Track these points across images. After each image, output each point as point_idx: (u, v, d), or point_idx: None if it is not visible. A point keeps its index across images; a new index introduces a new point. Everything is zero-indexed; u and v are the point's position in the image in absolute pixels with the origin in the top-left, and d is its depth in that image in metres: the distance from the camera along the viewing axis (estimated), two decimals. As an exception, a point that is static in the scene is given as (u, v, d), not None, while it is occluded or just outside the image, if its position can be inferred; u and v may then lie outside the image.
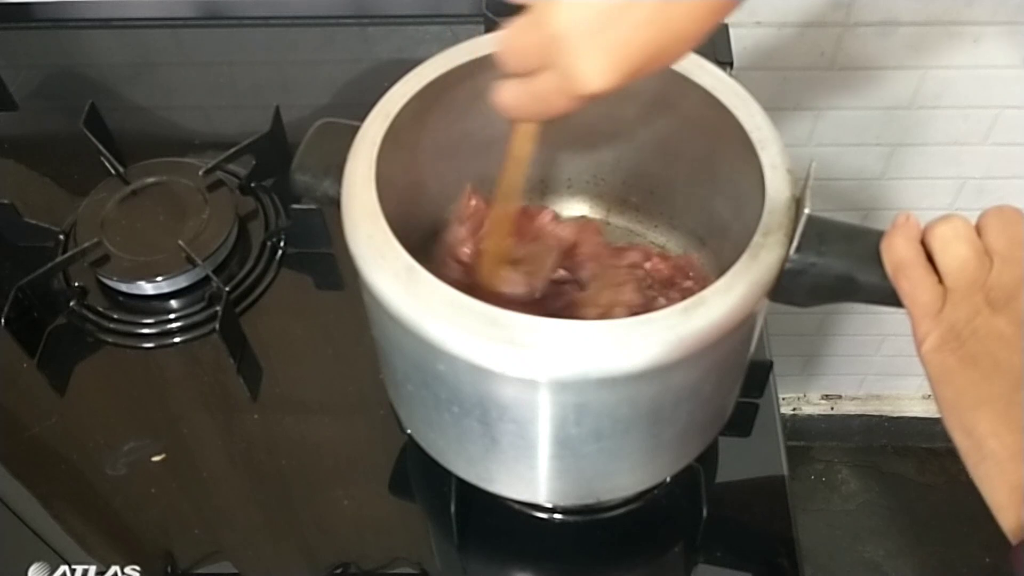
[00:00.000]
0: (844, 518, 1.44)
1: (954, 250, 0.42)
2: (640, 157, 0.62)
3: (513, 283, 0.56)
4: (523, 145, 0.48)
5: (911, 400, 1.48)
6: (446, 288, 0.44)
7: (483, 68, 0.55)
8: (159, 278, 0.70)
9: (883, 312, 0.48)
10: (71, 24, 0.91)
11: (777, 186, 0.47)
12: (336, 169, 0.51)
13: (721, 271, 0.45)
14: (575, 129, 0.62)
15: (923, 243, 0.44)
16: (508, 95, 0.43)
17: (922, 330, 0.43)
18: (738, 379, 0.56)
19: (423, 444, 0.57)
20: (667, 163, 0.61)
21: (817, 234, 0.46)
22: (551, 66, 0.39)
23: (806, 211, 0.44)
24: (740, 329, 0.46)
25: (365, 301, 0.50)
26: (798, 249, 0.45)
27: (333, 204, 0.51)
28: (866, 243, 0.46)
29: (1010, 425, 0.40)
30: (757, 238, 0.45)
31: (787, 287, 0.46)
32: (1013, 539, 0.40)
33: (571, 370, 0.43)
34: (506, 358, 0.43)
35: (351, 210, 0.48)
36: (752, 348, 0.53)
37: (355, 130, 0.52)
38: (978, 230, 0.43)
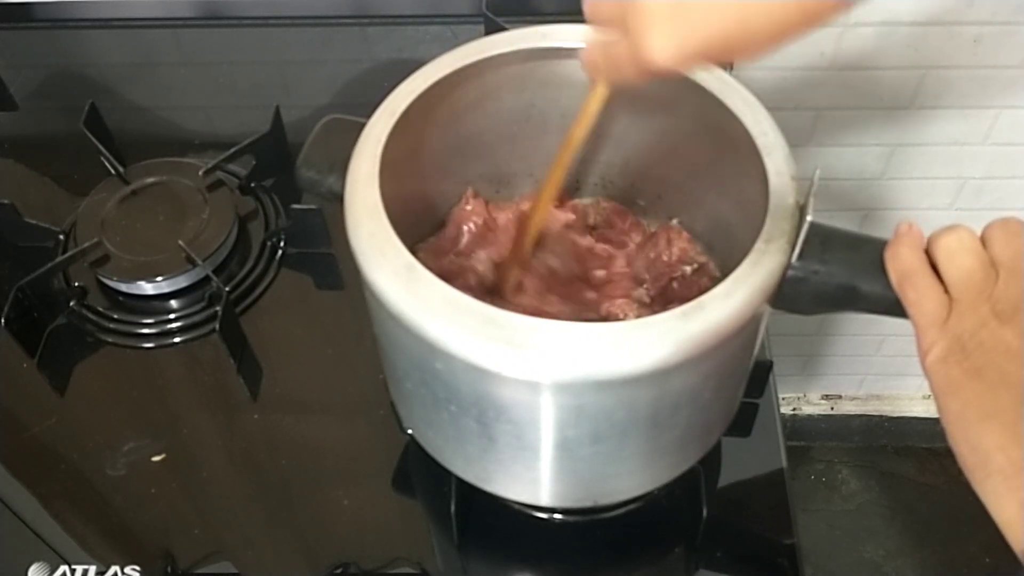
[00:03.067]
0: (844, 518, 1.44)
1: (959, 261, 0.42)
2: (648, 160, 0.62)
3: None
4: (590, 105, 0.50)
5: (911, 400, 1.48)
6: (445, 287, 0.44)
7: (490, 68, 0.56)
8: (159, 278, 0.70)
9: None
10: (71, 24, 0.91)
11: (781, 192, 0.47)
12: (341, 165, 0.51)
13: (727, 276, 0.45)
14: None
15: (927, 253, 0.43)
16: (589, 50, 0.46)
17: (927, 340, 0.43)
18: (739, 385, 0.56)
19: (422, 443, 0.57)
20: (675, 167, 0.60)
21: (820, 242, 0.45)
22: (627, 32, 0.41)
23: (808, 218, 0.44)
24: (740, 335, 0.45)
25: (366, 298, 0.50)
26: (800, 256, 0.45)
27: (337, 200, 0.51)
28: (869, 252, 0.45)
29: (1018, 439, 0.39)
30: (759, 244, 0.45)
31: (789, 294, 0.46)
32: (1023, 557, 0.39)
33: (568, 372, 0.43)
34: (504, 358, 0.43)
35: (354, 207, 0.48)
36: (754, 355, 0.53)
37: (361, 127, 0.52)
38: (982, 242, 0.42)
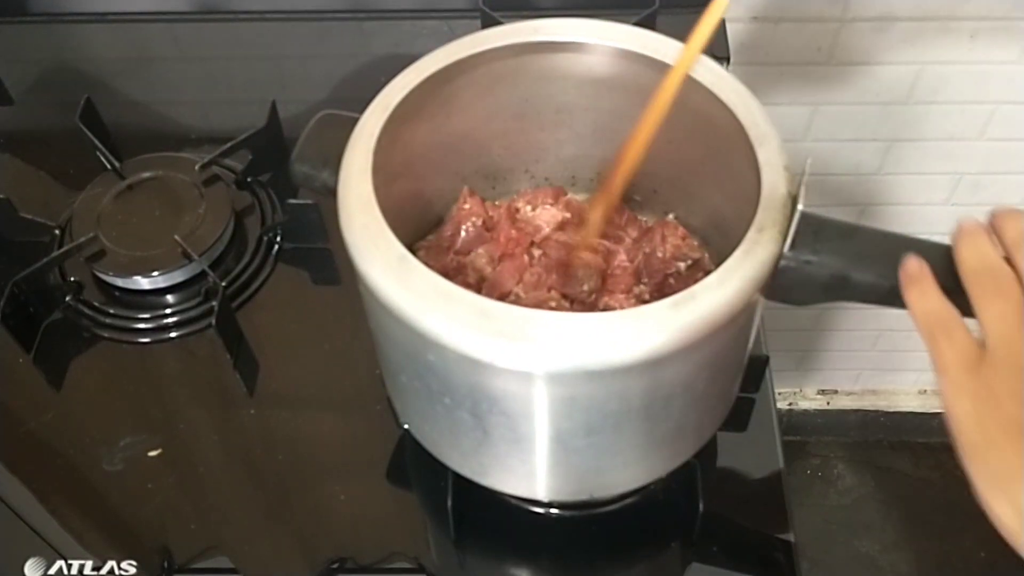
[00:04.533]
0: (840, 513, 1.44)
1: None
2: (643, 155, 0.62)
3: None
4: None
5: (907, 395, 1.49)
6: (438, 278, 0.44)
7: (483, 63, 0.55)
8: (155, 273, 0.70)
9: (879, 307, 0.47)
10: (67, 18, 0.91)
11: (772, 183, 0.47)
12: (335, 160, 0.51)
13: None
14: (579, 126, 0.62)
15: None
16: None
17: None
18: (734, 378, 0.56)
19: (418, 437, 0.57)
20: (670, 161, 0.60)
21: (812, 232, 0.45)
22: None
23: (800, 208, 0.44)
24: (732, 325, 0.45)
25: (360, 291, 0.50)
26: (792, 246, 0.45)
27: (332, 194, 0.51)
28: (861, 241, 0.45)
29: None
30: (751, 234, 0.45)
31: (782, 284, 0.46)
32: None
33: (560, 362, 0.43)
34: (496, 349, 0.43)
35: (346, 200, 0.49)
36: (748, 348, 0.53)
37: (355, 122, 0.52)
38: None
